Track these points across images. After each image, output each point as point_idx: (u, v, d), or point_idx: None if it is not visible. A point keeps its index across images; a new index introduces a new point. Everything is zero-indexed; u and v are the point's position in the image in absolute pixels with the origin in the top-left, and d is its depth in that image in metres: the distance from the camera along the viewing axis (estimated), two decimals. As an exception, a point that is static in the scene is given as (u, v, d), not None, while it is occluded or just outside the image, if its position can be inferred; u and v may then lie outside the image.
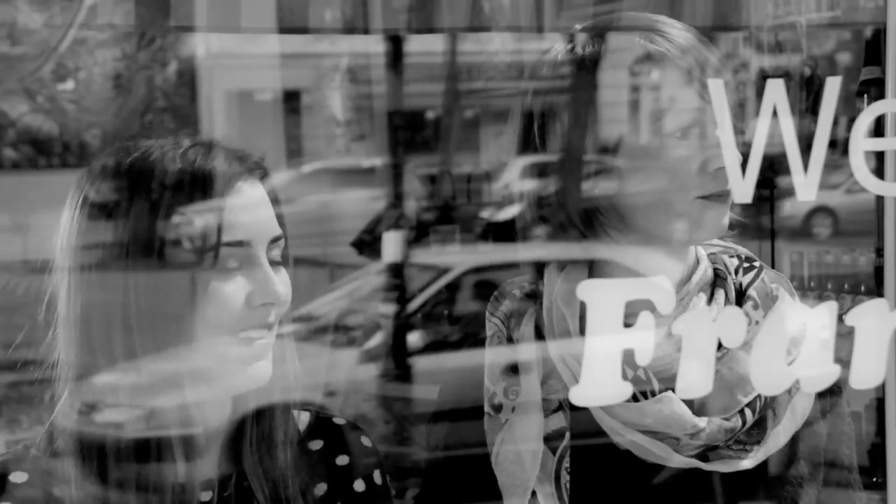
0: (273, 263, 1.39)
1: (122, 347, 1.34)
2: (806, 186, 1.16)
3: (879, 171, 1.31)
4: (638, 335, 1.17)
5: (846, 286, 3.74)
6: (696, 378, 1.19)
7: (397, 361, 5.62)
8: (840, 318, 1.19)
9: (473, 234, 7.22)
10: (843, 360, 1.20)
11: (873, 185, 1.20)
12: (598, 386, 1.16)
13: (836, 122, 1.18)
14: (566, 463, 1.49)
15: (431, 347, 5.72)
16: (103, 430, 1.35)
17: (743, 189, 1.16)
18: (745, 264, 1.57)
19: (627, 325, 1.15)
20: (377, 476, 1.52)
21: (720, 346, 1.38)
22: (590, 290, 1.15)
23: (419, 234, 6.85)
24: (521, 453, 1.49)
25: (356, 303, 6.23)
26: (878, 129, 1.32)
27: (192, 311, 1.33)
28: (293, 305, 1.43)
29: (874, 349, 1.19)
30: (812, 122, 1.16)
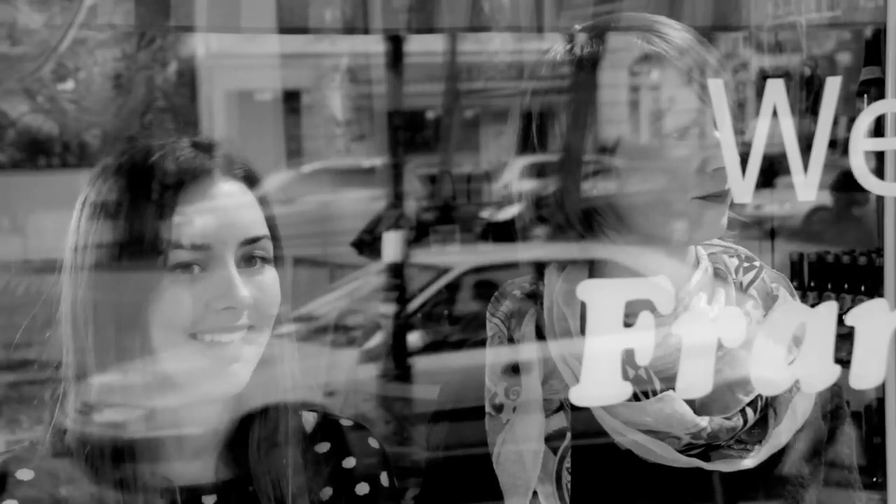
0: (249, 265, 1.38)
1: (115, 347, 1.34)
2: (806, 186, 1.17)
3: (879, 171, 1.30)
4: (638, 335, 1.17)
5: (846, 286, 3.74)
6: (696, 377, 1.19)
7: (397, 361, 5.61)
8: (840, 319, 1.19)
9: (473, 235, 7.22)
10: (843, 360, 1.20)
11: (873, 185, 1.20)
12: (599, 386, 1.16)
13: (836, 122, 1.18)
14: (567, 463, 1.49)
15: (431, 347, 5.71)
16: (101, 429, 1.35)
17: (743, 189, 1.16)
18: (746, 264, 1.57)
19: (628, 324, 1.15)
20: (384, 478, 1.51)
21: (720, 345, 1.38)
22: (590, 290, 1.15)
23: (419, 234, 6.85)
24: (522, 453, 1.49)
25: (356, 303, 6.22)
26: (879, 129, 1.32)
27: (145, 312, 1.33)
28: (293, 305, 1.43)
29: (874, 349, 1.19)
30: (812, 122, 1.16)
